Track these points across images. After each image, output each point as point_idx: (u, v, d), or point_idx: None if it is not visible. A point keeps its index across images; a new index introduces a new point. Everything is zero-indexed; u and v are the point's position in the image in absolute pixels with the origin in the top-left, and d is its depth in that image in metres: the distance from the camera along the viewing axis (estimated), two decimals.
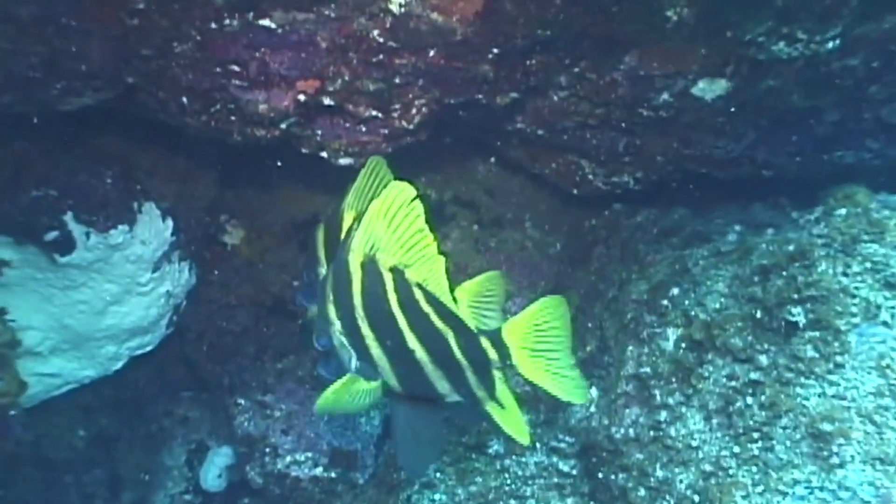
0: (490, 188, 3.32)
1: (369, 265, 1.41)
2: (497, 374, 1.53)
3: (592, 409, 2.55)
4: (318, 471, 3.00)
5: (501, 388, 1.54)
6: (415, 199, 1.35)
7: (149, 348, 3.16)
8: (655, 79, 2.23)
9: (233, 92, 2.10)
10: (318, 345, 1.56)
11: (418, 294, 1.42)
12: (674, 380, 2.28)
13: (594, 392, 2.57)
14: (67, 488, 3.38)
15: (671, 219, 2.84)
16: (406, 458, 1.69)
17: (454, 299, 1.48)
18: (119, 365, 3.12)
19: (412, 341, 1.47)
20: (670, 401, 2.26)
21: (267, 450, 3.03)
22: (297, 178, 3.23)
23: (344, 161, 2.37)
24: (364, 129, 2.27)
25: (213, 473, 3.15)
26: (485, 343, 1.48)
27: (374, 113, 2.19)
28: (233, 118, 2.21)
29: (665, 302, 2.41)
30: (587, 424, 2.54)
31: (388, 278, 1.41)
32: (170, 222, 2.87)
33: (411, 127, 2.24)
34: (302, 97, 2.11)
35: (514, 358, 1.49)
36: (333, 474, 2.99)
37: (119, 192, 2.72)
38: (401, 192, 1.35)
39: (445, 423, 1.76)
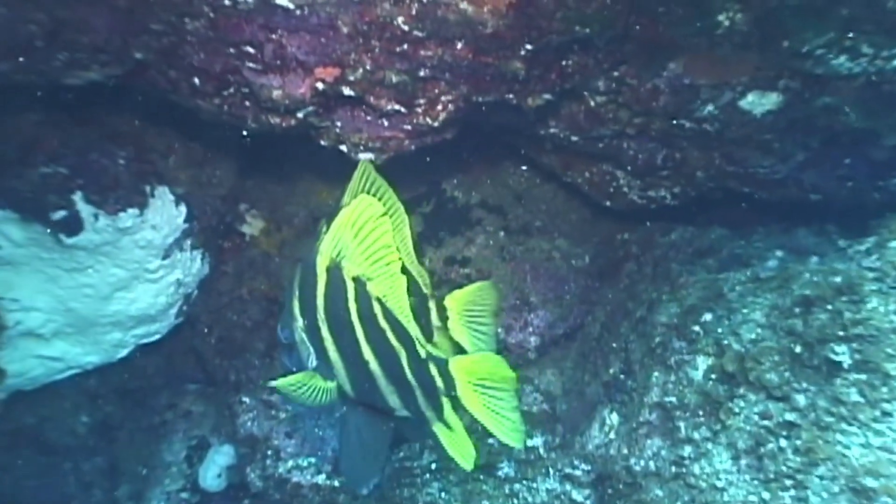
0: (520, 194, 3.20)
1: (334, 271, 1.46)
2: (445, 399, 1.57)
3: (612, 435, 2.40)
4: (321, 478, 2.87)
5: (448, 412, 1.58)
6: (383, 214, 1.41)
7: (156, 337, 3.08)
8: (701, 88, 2.09)
9: (246, 75, 1.97)
10: (282, 336, 1.61)
11: (377, 308, 1.47)
12: (701, 413, 2.13)
13: (615, 418, 2.41)
14: (66, 475, 3.30)
15: (708, 238, 2.68)
16: (349, 466, 1.72)
17: (444, 308, 1.59)
18: (124, 352, 3.05)
19: (367, 353, 1.52)
20: (696, 435, 2.11)
21: (269, 452, 2.91)
22: (321, 170, 3.12)
23: (364, 156, 2.25)
24: (386, 123, 2.15)
25: (212, 472, 3.03)
26: (432, 370, 1.52)
27: (396, 107, 2.06)
28: (247, 103, 2.09)
29: (696, 328, 2.25)
30: (605, 452, 2.39)
31: (351, 287, 1.46)
32: (183, 208, 2.77)
33: (436, 124, 2.11)
34: (320, 85, 1.98)
35: (459, 390, 1.52)
36: (336, 483, 2.86)
37: (131, 174, 2.62)
38: (369, 206, 1.40)
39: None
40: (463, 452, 1.60)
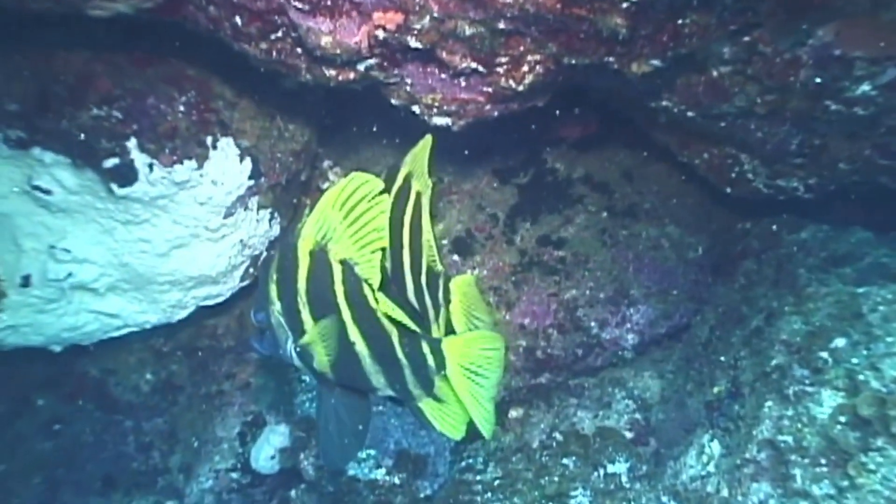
0: (629, 171, 2.91)
1: (319, 254, 1.46)
2: (437, 376, 1.59)
3: (711, 468, 2.06)
4: (380, 473, 2.62)
5: (440, 387, 1.59)
6: (379, 193, 1.39)
7: (219, 300, 2.90)
8: (856, 62, 1.80)
9: (292, 17, 1.66)
10: (255, 319, 1.60)
11: (367, 290, 1.48)
12: (823, 462, 1.83)
13: (716, 447, 2.05)
14: (126, 434, 3.19)
15: (846, 242, 2.36)
16: (327, 447, 1.70)
17: (448, 290, 1.65)
18: (184, 314, 2.89)
19: (354, 334, 1.52)
20: (815, 490, 1.81)
21: None
22: (412, 126, 2.83)
23: (439, 120, 2.01)
24: (463, 83, 1.88)
25: (266, 453, 2.80)
26: (425, 348, 1.55)
27: (473, 65, 1.77)
28: (298, 50, 1.81)
29: (824, 354, 1.96)
30: (700, 487, 2.06)
31: (338, 270, 1.47)
32: (248, 164, 2.54)
33: (521, 88, 1.81)
34: (381, 34, 1.66)
35: (448, 369, 1.55)
36: (396, 480, 2.61)
37: (192, 123, 2.41)
38: (363, 184, 1.39)
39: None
40: (455, 423, 1.60)
